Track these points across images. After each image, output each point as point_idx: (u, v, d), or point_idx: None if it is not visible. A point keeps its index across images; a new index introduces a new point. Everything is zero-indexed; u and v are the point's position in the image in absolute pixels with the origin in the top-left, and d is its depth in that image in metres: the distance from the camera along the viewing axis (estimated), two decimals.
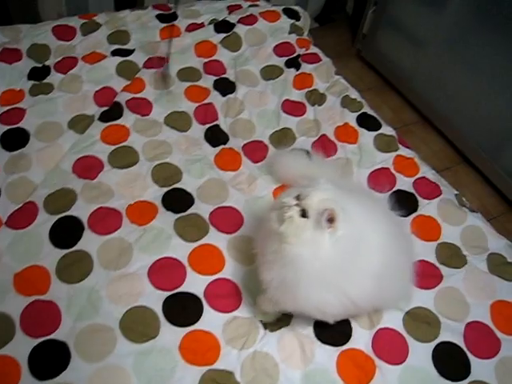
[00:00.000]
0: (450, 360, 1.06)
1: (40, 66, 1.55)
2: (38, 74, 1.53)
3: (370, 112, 1.55)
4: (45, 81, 1.51)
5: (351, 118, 1.51)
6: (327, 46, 2.38)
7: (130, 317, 1.05)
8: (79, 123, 1.41)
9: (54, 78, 1.52)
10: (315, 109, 1.54)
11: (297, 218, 0.87)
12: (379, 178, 1.37)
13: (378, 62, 2.46)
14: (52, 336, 1.02)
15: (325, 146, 1.44)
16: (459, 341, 1.09)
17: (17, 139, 1.36)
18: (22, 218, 1.20)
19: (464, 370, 1.05)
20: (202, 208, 1.26)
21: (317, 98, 1.57)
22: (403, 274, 1.06)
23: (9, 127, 1.38)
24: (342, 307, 0.95)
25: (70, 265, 1.12)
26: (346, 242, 0.88)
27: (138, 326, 1.04)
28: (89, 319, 1.04)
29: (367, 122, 1.51)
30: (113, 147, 1.35)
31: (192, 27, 1.73)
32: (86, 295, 1.08)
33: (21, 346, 1.00)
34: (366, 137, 1.47)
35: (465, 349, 1.08)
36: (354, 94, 1.60)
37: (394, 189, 1.36)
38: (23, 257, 1.13)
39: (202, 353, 1.02)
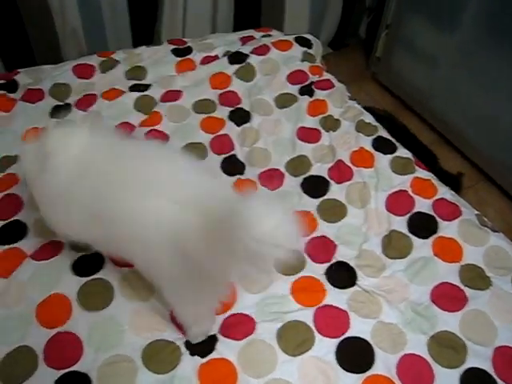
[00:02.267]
0: None
1: (62, 104, 1.61)
2: (60, 112, 1.58)
3: (386, 135, 1.55)
4: (66, 118, 1.56)
5: (366, 142, 1.51)
6: (342, 71, 2.42)
7: (150, 348, 1.06)
8: None
9: (75, 115, 1.57)
10: (330, 135, 1.55)
11: None
12: (397, 201, 1.36)
13: (393, 84, 2.47)
14: (74, 368, 1.03)
15: (341, 171, 1.44)
16: (488, 367, 1.06)
17: None
18: (46, 251, 1.22)
19: None
20: None
21: (331, 124, 1.58)
22: None
23: None
24: None
25: (92, 293, 1.14)
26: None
27: (158, 356, 1.05)
28: (110, 350, 1.05)
29: (383, 146, 1.51)
30: None
31: (206, 60, 1.77)
32: (108, 324, 1.09)
33: (44, 379, 1.01)
34: (382, 160, 1.47)
35: (494, 375, 1.04)
36: (368, 118, 1.60)
37: (413, 211, 1.34)
38: (45, 286, 1.15)
39: (219, 381, 1.02)
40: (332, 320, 1.12)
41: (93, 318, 1.10)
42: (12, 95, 1.60)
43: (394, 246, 1.26)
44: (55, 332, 1.08)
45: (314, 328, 1.11)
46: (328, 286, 1.19)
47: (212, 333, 1.09)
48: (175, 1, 2.11)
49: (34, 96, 1.60)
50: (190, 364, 1.05)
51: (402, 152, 1.50)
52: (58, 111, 1.58)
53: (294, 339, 1.09)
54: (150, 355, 1.05)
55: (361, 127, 1.57)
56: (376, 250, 1.27)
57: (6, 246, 1.24)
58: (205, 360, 1.05)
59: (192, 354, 1.06)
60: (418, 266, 1.22)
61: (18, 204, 1.33)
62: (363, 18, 2.70)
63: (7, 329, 1.09)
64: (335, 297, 1.17)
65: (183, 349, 1.07)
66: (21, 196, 1.34)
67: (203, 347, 1.07)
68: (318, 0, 2.38)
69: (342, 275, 1.22)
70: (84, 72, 1.70)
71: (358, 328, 1.11)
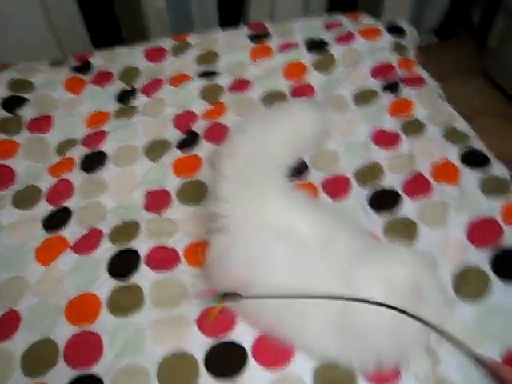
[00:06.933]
0: None
1: (129, 88, 1.56)
2: (126, 97, 1.54)
3: (479, 147, 1.29)
4: (130, 104, 1.51)
5: (453, 154, 1.27)
6: (447, 64, 2.15)
7: (169, 362, 0.99)
8: (155, 150, 1.38)
9: (139, 100, 1.52)
10: (411, 141, 1.33)
11: None
12: (482, 230, 1.12)
13: (508, 82, 2.12)
14: (91, 370, 0.99)
15: (418, 185, 1.23)
16: None
17: (96, 162, 1.36)
18: (86, 243, 1.19)
19: None
20: None
21: (415, 129, 1.35)
22: None
23: (90, 150, 1.40)
24: None
25: (122, 297, 1.09)
26: None
27: (176, 373, 0.97)
28: (129, 357, 1.00)
29: (474, 160, 1.26)
30: (183, 180, 1.30)
31: (284, 47, 1.62)
32: (131, 331, 1.04)
33: (61, 376, 0.98)
34: (471, 177, 1.22)
35: None
36: (461, 125, 1.35)
37: (501, 246, 1.09)
38: (80, 283, 1.12)
39: None
40: None
41: (118, 323, 1.05)
42: (84, 77, 1.58)
43: (467, 285, 1.04)
44: (80, 330, 1.05)
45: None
46: None
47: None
48: None
49: (103, 79, 1.57)
50: None
51: (498, 170, 1.23)
52: (124, 96, 1.54)
53: None
54: (166, 370, 0.98)
55: (450, 135, 1.32)
56: (446, 286, 1.05)
57: (51, 234, 1.22)
58: None
59: (212, 375, 0.96)
60: (494, 318, 0.99)
61: (69, 190, 1.31)
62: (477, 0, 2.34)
63: (37, 318, 1.07)
64: None
65: (202, 369, 0.97)
66: (73, 182, 1.32)
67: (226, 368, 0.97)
68: None
69: None
70: (155, 55, 1.64)
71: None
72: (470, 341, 0.95)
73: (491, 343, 0.96)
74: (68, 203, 1.28)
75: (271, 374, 0.96)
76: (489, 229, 1.12)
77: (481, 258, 1.08)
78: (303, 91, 1.50)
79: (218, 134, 1.38)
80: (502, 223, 1.13)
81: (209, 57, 1.61)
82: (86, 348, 1.02)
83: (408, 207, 1.20)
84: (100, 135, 1.43)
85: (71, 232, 1.22)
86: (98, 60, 1.65)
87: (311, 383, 0.93)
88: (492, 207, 1.16)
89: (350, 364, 0.92)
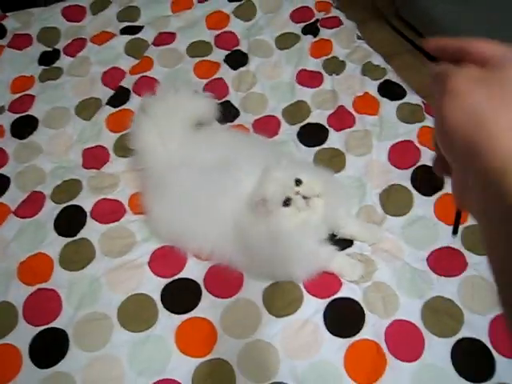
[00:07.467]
0: (471, 358, 0.94)
1: (50, 50, 1.53)
2: (48, 59, 1.50)
3: (395, 79, 1.39)
4: (54, 65, 1.49)
5: (372, 87, 1.36)
6: (362, 6, 2.23)
7: (128, 305, 1.04)
8: (87, 108, 1.38)
9: (64, 61, 1.49)
10: (333, 78, 1.41)
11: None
12: (402, 152, 1.23)
13: (418, 22, 2.23)
14: (52, 324, 1.02)
15: (342, 118, 1.32)
16: (483, 337, 0.96)
17: (26, 127, 1.35)
18: (29, 207, 1.20)
19: (487, 369, 0.92)
20: None
21: (335, 67, 1.43)
22: None
23: (19, 115, 1.38)
24: None
25: (73, 253, 1.11)
26: None
27: (135, 314, 1.03)
28: (88, 307, 1.04)
29: (390, 91, 1.36)
30: (118, 135, 1.32)
31: None
32: (87, 283, 1.07)
33: (23, 335, 1.01)
34: (388, 107, 1.32)
35: (489, 346, 0.95)
36: (377, 60, 1.44)
37: (418, 164, 1.21)
38: (28, 245, 1.13)
39: (197, 341, 0.99)
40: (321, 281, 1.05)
41: (73, 277, 1.08)
42: None
43: (392, 202, 1.16)
44: (35, 289, 1.07)
45: (302, 287, 1.04)
46: None
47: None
48: None
49: (21, 42, 1.53)
50: (167, 323, 1.01)
51: (412, 98, 1.34)
52: (46, 58, 1.51)
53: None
54: (126, 312, 1.03)
55: (367, 70, 1.41)
56: (375, 205, 1.17)
57: None
58: (183, 319, 1.01)
59: (170, 311, 1.03)
60: (417, 226, 1.11)
61: (3, 158, 1.30)
62: None
63: None
64: None
65: (160, 306, 1.03)
66: (5, 149, 1.31)
67: (183, 303, 1.04)
68: None
69: None
70: (74, 14, 1.60)
71: (349, 288, 1.04)
72: (397, 247, 1.08)
73: (415, 248, 1.08)
74: (4, 170, 1.28)
75: (225, 302, 1.03)
76: (407, 150, 1.24)
77: (402, 177, 1.20)
78: (226, 39, 1.53)
79: (147, 87, 1.39)
80: (418, 144, 1.25)
81: (130, 12, 1.60)
82: (44, 305, 1.05)
83: (335, 139, 1.29)
84: (27, 100, 1.41)
85: (11, 198, 1.22)
86: (12, 23, 1.59)
87: (261, 303, 1.02)
88: (409, 132, 1.27)
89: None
